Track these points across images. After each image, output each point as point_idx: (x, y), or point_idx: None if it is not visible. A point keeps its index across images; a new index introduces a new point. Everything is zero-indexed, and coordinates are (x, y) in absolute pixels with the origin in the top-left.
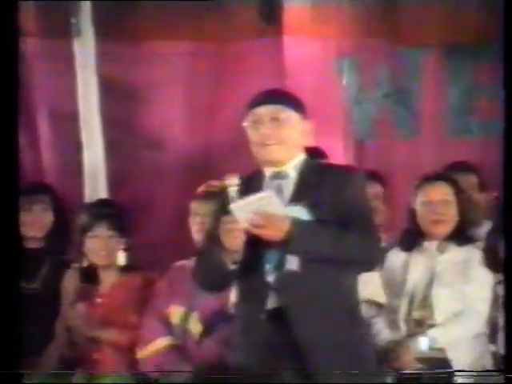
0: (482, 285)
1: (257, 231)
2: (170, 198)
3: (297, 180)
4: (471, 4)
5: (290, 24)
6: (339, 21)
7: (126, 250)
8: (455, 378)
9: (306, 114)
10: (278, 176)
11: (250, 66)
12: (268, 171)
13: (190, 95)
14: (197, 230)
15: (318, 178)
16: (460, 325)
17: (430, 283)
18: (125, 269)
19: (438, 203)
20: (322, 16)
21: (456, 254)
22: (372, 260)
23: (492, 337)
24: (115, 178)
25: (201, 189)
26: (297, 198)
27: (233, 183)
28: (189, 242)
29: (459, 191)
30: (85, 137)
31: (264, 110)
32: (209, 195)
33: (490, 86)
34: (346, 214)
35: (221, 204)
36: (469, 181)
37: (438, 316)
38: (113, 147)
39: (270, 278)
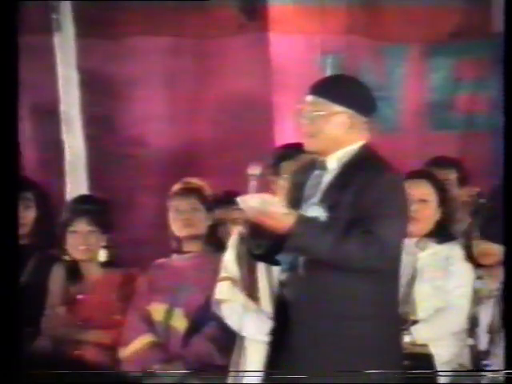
0: (462, 281)
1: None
2: (150, 195)
3: (335, 174)
4: (452, 2)
5: (274, 20)
6: (323, 17)
7: (107, 246)
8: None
9: (356, 106)
10: (320, 166)
11: (232, 62)
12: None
13: (170, 91)
14: (179, 227)
15: (352, 175)
16: (442, 321)
17: (411, 280)
18: (106, 265)
19: (416, 202)
20: (305, 12)
21: (436, 250)
22: (373, 266)
23: (470, 331)
24: (96, 175)
25: (178, 186)
26: (326, 195)
27: (255, 172)
28: (169, 239)
29: (441, 189)
30: (66, 133)
31: (308, 101)
32: (187, 192)
33: (471, 81)
34: (364, 215)
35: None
36: (448, 176)
37: (421, 312)
38: (94, 143)
39: (282, 276)
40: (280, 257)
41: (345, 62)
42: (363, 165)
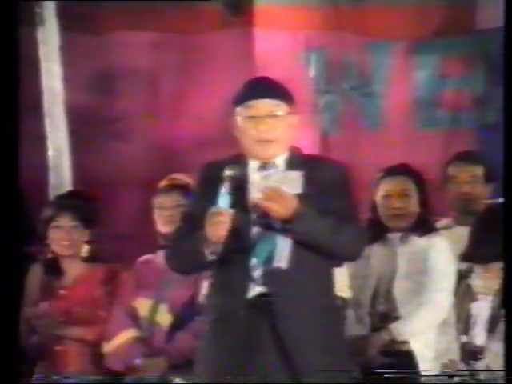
0: (442, 274)
1: (267, 205)
2: (135, 190)
3: (285, 171)
4: None
5: (259, 16)
6: (308, 13)
7: (90, 241)
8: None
9: (295, 106)
10: (266, 167)
11: (216, 57)
12: (255, 161)
13: (155, 86)
14: (164, 223)
15: (305, 170)
16: (421, 315)
17: (392, 276)
18: (88, 260)
19: (396, 197)
20: (290, 8)
21: (417, 244)
22: (358, 253)
23: (463, 327)
24: (79, 170)
25: (163, 183)
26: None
27: (231, 171)
28: (153, 235)
29: (421, 183)
30: (49, 128)
31: (262, 105)
32: (172, 188)
33: (456, 78)
34: (334, 206)
35: (213, 190)
36: (474, 171)
37: (401, 308)
38: (77, 138)
39: (256, 272)
40: (256, 252)
41: (330, 58)
42: (311, 160)
